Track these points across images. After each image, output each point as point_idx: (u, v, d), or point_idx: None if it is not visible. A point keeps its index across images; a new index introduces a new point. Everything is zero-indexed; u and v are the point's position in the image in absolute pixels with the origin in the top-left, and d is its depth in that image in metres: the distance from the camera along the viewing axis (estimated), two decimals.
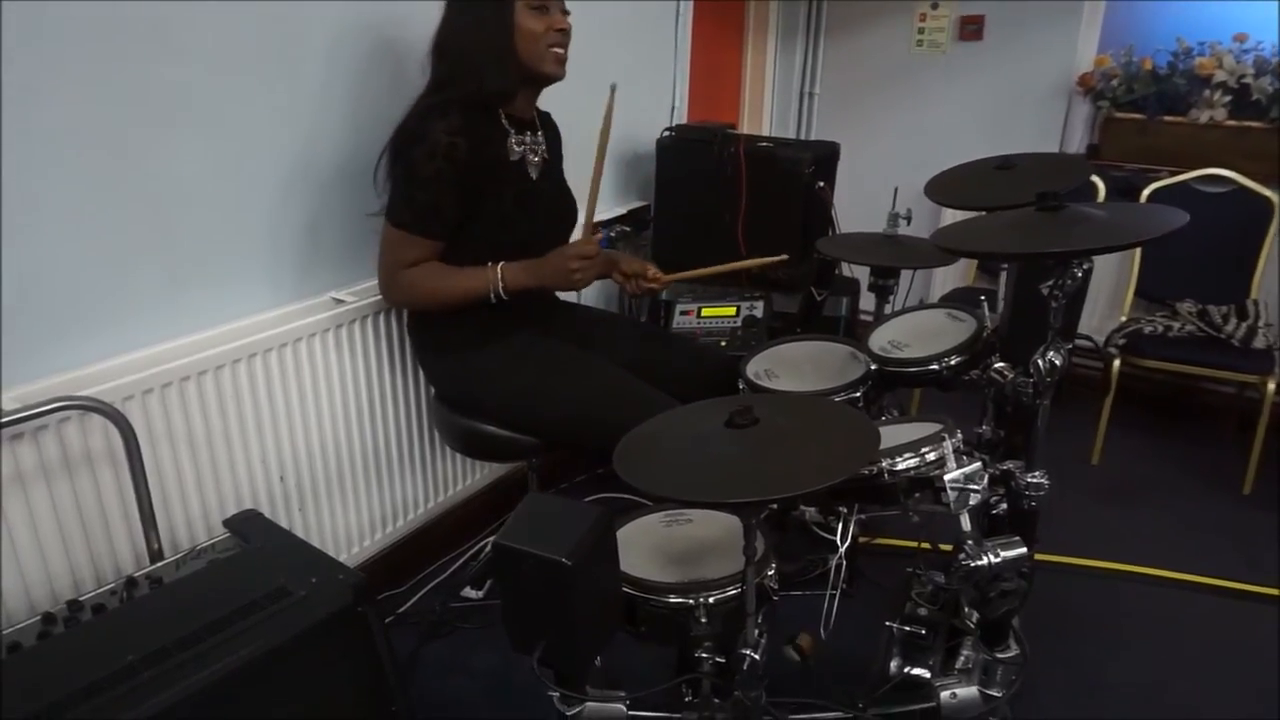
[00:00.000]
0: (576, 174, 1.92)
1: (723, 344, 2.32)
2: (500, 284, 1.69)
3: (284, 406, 1.78)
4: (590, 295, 2.57)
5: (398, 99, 1.74)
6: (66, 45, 1.38)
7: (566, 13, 1.73)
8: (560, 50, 1.71)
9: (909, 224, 2.11)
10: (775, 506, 1.95)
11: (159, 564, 1.40)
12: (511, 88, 1.71)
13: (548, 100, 1.84)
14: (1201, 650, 2.01)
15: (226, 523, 1.49)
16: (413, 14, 1.93)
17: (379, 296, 1.93)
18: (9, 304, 1.39)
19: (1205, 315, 2.77)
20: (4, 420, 1.30)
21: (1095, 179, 3.04)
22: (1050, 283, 1.43)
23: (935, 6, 3.50)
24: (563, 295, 1.93)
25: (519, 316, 1.77)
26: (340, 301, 1.89)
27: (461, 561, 2.27)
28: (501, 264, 1.70)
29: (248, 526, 1.47)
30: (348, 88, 1.85)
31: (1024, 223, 1.45)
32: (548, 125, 1.90)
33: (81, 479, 1.46)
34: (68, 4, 1.36)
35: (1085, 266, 1.44)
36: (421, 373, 2.03)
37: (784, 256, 1.95)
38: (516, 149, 1.74)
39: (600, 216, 2.64)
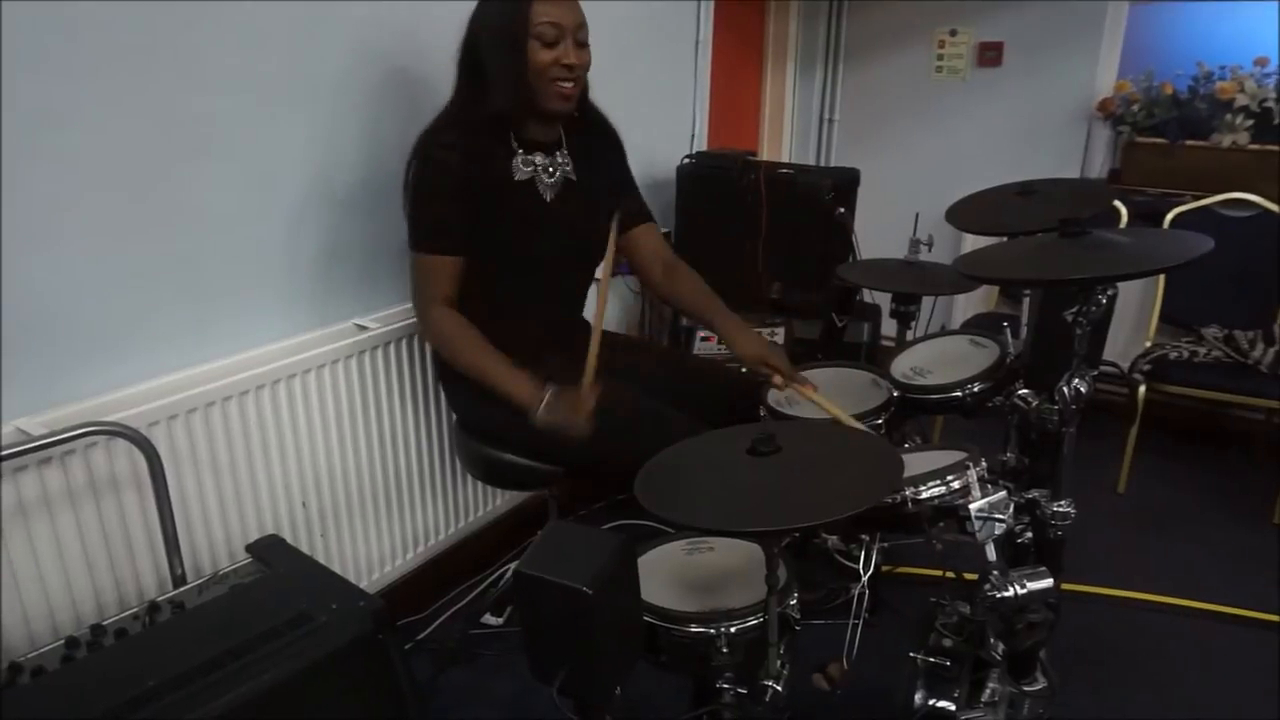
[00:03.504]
0: None
1: (744, 370, 2.32)
2: (541, 409, 1.58)
3: (306, 432, 1.79)
4: (611, 320, 2.57)
5: (421, 124, 1.76)
6: (96, 75, 1.41)
7: (583, 45, 1.67)
8: (565, 85, 1.65)
9: (930, 250, 2.11)
10: (797, 535, 1.93)
11: (182, 589, 1.40)
12: (517, 114, 1.69)
13: None
14: (1232, 682, 1.96)
15: (249, 548, 1.49)
16: (431, 42, 1.96)
17: (401, 323, 1.95)
18: (36, 329, 1.41)
19: (1232, 340, 2.73)
20: (33, 445, 1.32)
21: (1118, 204, 3.02)
22: (1074, 309, 1.42)
23: (954, 33, 3.52)
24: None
25: (539, 344, 1.77)
26: (363, 328, 1.91)
27: (482, 588, 2.26)
28: (550, 391, 1.59)
29: (269, 552, 1.47)
30: (370, 114, 1.88)
31: (1047, 249, 1.44)
32: (594, 138, 1.83)
33: (107, 503, 1.48)
34: (97, 33, 1.40)
35: (1109, 293, 1.43)
36: (443, 399, 2.04)
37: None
38: (524, 169, 1.71)
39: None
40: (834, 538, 2.01)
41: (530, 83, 1.63)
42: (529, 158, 1.72)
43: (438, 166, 1.61)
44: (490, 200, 1.66)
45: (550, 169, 1.74)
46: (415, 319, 1.93)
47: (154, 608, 1.32)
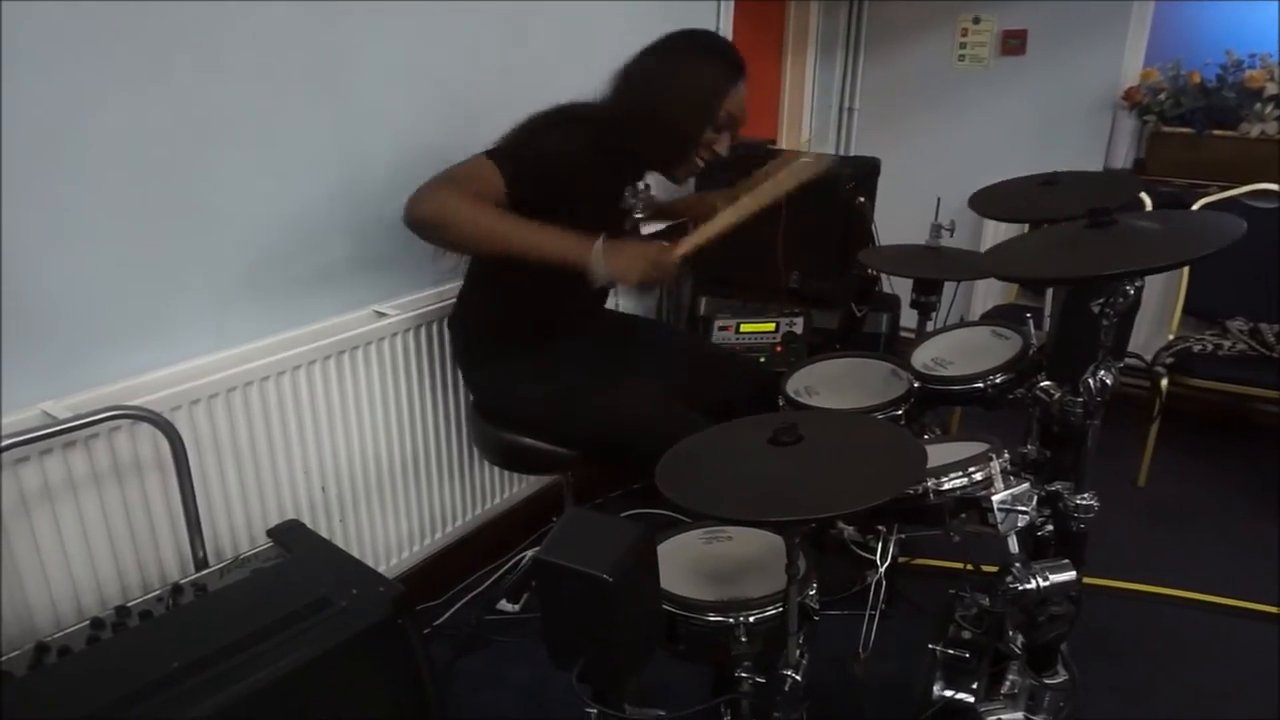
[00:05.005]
0: None
1: (762, 360, 2.31)
2: (593, 257, 1.52)
3: (326, 418, 1.80)
4: (630, 307, 2.57)
5: (445, 119, 1.75)
6: (119, 64, 1.41)
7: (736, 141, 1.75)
8: (700, 165, 1.74)
9: (951, 235, 2.09)
10: (814, 525, 1.92)
11: (204, 572, 1.41)
12: (655, 165, 1.76)
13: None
14: (1253, 678, 1.94)
15: (269, 532, 1.50)
16: (454, 35, 1.96)
17: (420, 310, 1.95)
18: (60, 315, 1.42)
19: (1257, 333, 2.70)
20: (57, 429, 1.33)
21: (1143, 195, 2.98)
22: (1101, 300, 1.40)
23: (977, 21, 3.48)
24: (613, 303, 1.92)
25: (560, 325, 1.77)
26: (382, 314, 1.92)
27: (498, 575, 2.27)
28: (599, 241, 1.55)
29: (290, 536, 1.49)
30: (394, 107, 1.88)
31: (1075, 242, 1.42)
32: None
33: (131, 487, 1.49)
34: (119, 22, 1.40)
35: (1137, 283, 1.41)
36: (461, 384, 2.04)
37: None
38: (630, 199, 1.76)
39: (642, 232, 2.65)
40: (850, 528, 2.00)
41: (684, 148, 1.70)
42: (633, 189, 1.76)
43: (563, 138, 1.60)
44: (580, 205, 1.63)
45: (648, 203, 1.80)
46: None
47: (177, 590, 1.33)
